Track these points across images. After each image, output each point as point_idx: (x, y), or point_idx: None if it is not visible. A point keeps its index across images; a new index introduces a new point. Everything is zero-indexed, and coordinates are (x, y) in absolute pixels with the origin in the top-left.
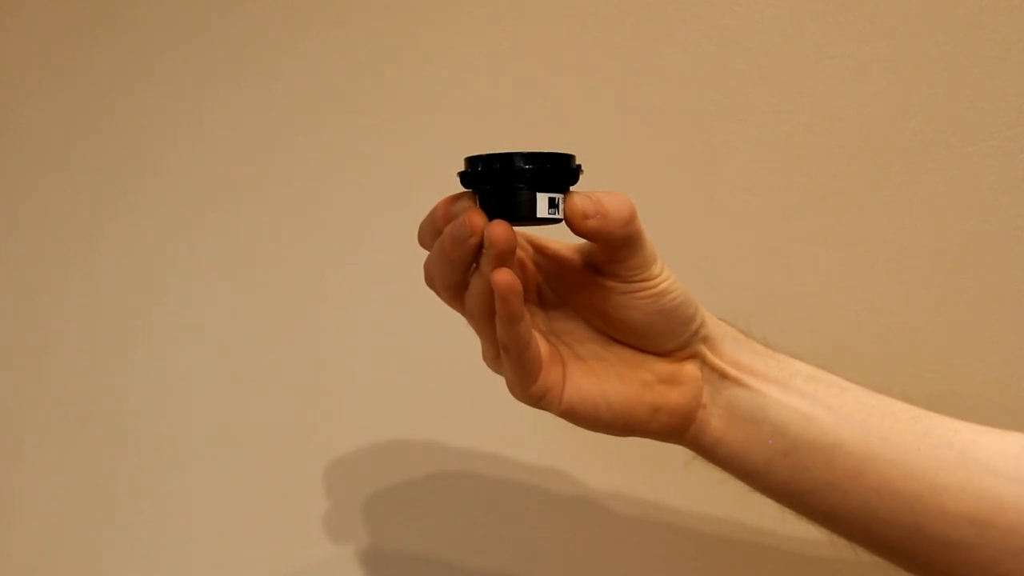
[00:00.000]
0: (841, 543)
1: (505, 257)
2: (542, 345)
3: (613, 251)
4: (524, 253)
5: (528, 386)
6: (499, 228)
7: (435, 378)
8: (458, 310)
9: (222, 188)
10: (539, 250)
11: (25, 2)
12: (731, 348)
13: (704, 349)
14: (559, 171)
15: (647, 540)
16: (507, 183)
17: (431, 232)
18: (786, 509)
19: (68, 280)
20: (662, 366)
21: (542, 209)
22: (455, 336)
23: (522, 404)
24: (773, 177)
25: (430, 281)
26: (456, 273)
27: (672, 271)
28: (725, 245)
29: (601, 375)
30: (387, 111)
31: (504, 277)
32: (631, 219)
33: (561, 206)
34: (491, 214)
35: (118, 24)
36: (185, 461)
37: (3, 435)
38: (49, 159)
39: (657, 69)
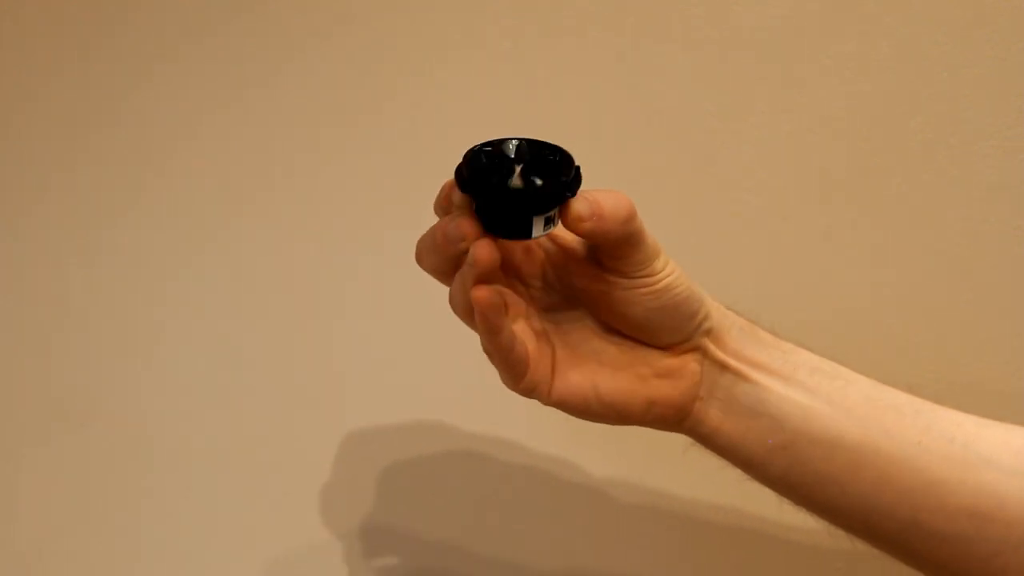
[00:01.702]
0: (840, 534)
1: (487, 275)
2: (529, 343)
3: (613, 249)
4: None
5: (516, 383)
6: (483, 250)
7: (435, 369)
8: (447, 284)
9: (224, 188)
10: (548, 236)
11: (26, 5)
12: (735, 340)
13: (706, 342)
14: (557, 191)
15: (645, 527)
16: (501, 203)
17: (440, 211)
18: (784, 499)
19: (70, 281)
20: (660, 360)
21: (537, 229)
22: (456, 327)
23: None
24: (773, 177)
25: (419, 259)
26: (443, 264)
27: (677, 265)
28: (725, 245)
29: (594, 368)
30: (390, 109)
31: (482, 295)
32: (629, 218)
33: (557, 213)
34: (484, 225)
35: (120, 28)
36: (187, 463)
37: (4, 436)
38: (53, 162)
39: (657, 69)
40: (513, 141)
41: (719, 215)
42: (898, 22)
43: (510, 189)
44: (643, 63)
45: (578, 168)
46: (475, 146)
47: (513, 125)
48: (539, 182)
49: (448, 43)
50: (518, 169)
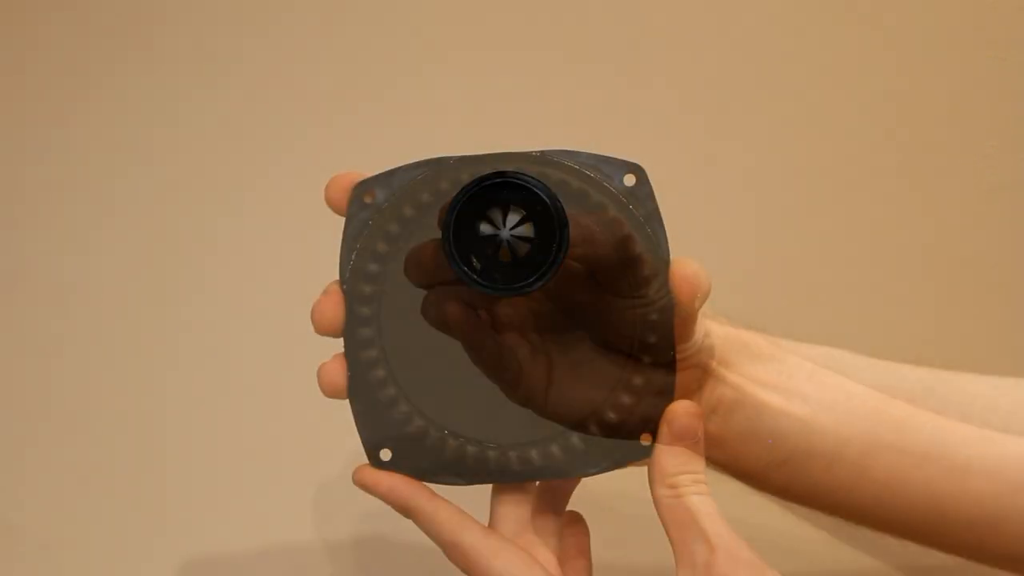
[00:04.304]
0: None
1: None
2: (522, 356)
3: (607, 271)
4: None
5: (510, 394)
6: (453, 309)
7: None
8: None
9: (233, 189)
10: None
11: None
12: (734, 356)
13: (703, 358)
14: (547, 258)
15: (646, 536)
16: (492, 279)
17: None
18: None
19: (68, 282)
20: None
21: (529, 288)
22: None
23: None
24: (772, 178)
25: (405, 271)
26: (430, 283)
27: None
28: (724, 247)
29: (591, 383)
30: (393, 110)
31: (454, 310)
32: (621, 244)
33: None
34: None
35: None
36: (187, 465)
37: (4, 437)
38: (49, 161)
39: (655, 69)
40: (492, 188)
41: (717, 217)
42: (898, 22)
43: (500, 265)
44: (642, 63)
45: (560, 209)
46: (452, 207)
47: (510, 125)
48: (527, 250)
49: (445, 42)
50: (504, 241)
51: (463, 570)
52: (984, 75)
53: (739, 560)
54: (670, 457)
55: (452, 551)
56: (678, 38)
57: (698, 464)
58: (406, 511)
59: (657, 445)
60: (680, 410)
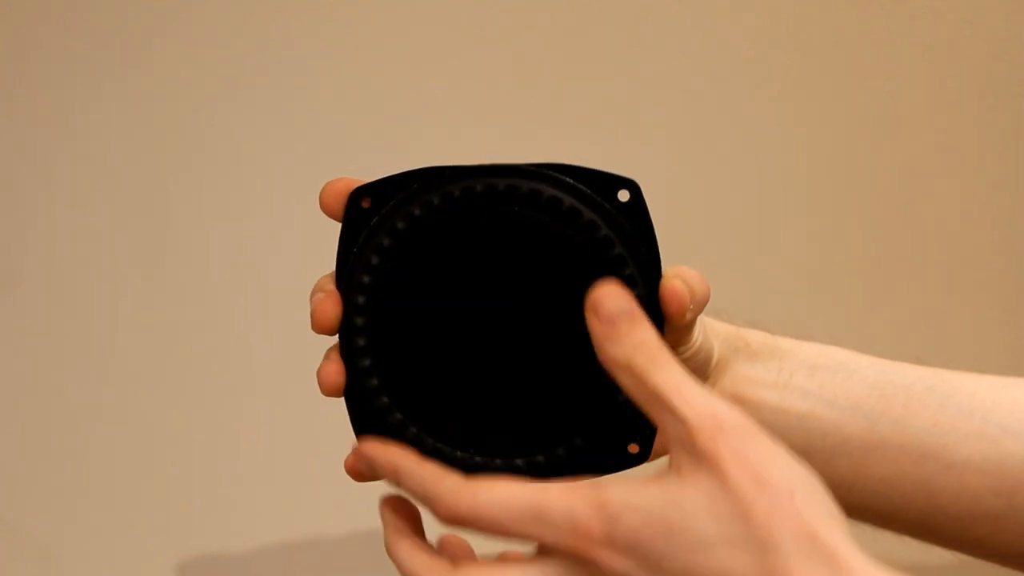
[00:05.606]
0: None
1: None
2: None
3: None
4: None
5: None
6: None
7: None
8: None
9: (235, 187)
10: None
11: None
12: (733, 354)
13: (703, 358)
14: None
15: None
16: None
17: None
18: None
19: (68, 281)
20: None
21: None
22: None
23: None
24: (772, 179)
25: None
26: None
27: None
28: (723, 248)
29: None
30: (396, 110)
31: None
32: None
33: None
34: None
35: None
36: (188, 463)
37: (4, 438)
38: (49, 160)
39: (654, 70)
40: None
41: (716, 218)
42: (899, 23)
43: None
44: (639, 63)
45: None
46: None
47: (506, 123)
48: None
49: (443, 41)
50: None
51: (445, 518)
52: (984, 75)
53: (723, 426)
54: (612, 344)
55: (434, 503)
56: (674, 43)
57: (645, 333)
58: (395, 473)
59: (595, 338)
60: (600, 293)
